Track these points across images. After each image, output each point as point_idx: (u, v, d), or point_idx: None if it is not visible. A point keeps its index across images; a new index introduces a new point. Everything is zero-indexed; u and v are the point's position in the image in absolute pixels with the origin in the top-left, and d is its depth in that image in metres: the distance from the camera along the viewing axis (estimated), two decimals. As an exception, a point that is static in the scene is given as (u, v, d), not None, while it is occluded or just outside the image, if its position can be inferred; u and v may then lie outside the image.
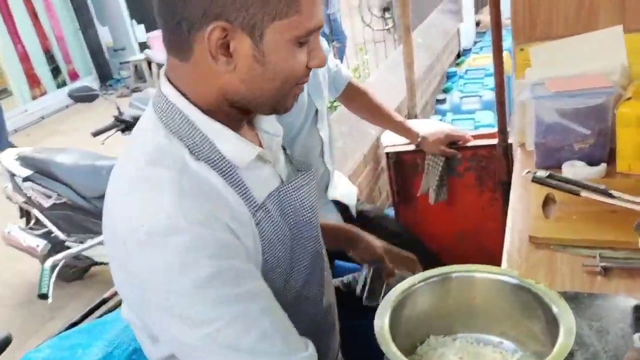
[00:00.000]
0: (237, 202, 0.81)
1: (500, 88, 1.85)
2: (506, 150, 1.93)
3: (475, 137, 2.08)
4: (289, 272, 0.90)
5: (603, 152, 1.51)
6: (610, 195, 0.96)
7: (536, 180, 1.05)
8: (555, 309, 0.84)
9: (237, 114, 0.85)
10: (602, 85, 1.49)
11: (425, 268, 1.00)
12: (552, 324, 0.83)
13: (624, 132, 1.43)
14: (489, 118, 3.70)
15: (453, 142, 2.05)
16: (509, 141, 1.93)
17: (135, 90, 7.13)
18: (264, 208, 0.84)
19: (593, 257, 1.15)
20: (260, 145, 0.92)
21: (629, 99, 1.42)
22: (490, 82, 4.04)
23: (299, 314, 0.89)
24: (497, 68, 1.85)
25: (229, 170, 0.81)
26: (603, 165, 1.49)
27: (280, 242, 0.87)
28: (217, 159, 0.81)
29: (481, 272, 0.97)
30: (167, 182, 0.75)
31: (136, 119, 3.39)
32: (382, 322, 0.86)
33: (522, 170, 1.64)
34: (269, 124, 0.95)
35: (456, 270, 0.97)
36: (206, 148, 0.80)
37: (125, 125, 2.66)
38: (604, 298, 1.03)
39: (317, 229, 0.96)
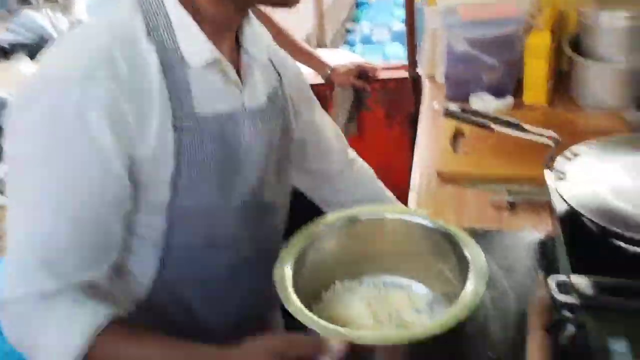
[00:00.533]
0: (163, 103, 0.73)
1: (410, 17, 1.77)
2: (415, 83, 1.87)
3: (385, 68, 2.01)
4: (216, 210, 0.82)
5: (510, 84, 1.49)
6: (522, 129, 0.91)
7: (448, 113, 0.99)
8: (466, 252, 0.79)
9: (230, 10, 0.77)
10: (512, 14, 1.45)
11: None
12: (463, 266, 0.79)
13: (532, 63, 1.40)
14: (399, 50, 3.66)
15: (363, 75, 1.97)
16: (419, 73, 1.87)
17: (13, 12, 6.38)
18: (196, 119, 0.75)
19: (500, 193, 1.12)
20: (237, 65, 0.82)
21: (539, 29, 1.38)
22: (400, 12, 3.98)
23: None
24: (407, -5, 1.76)
25: (177, 65, 0.74)
26: (510, 98, 1.48)
27: (204, 168, 0.77)
28: (171, 49, 0.74)
29: (390, 213, 0.91)
30: (97, 43, 0.72)
31: (13, 46, 3.04)
32: (282, 272, 0.78)
33: (430, 103, 1.60)
34: (251, 42, 0.84)
35: (364, 212, 0.90)
36: (165, 35, 0.75)
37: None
38: (512, 235, 1.01)
39: (254, 176, 0.85)
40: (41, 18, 3.02)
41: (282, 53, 0.97)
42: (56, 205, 0.70)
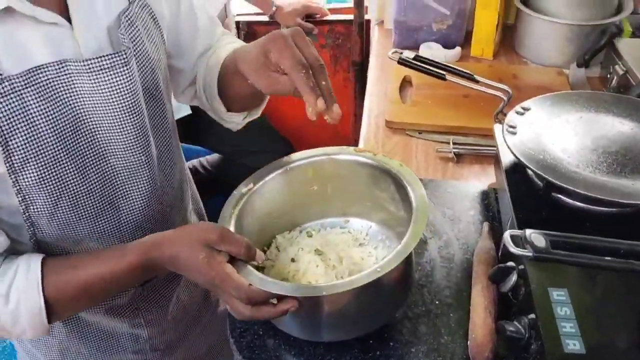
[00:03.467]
0: None
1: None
2: (362, 28, 1.83)
3: (333, 11, 1.95)
4: (71, 182, 0.70)
5: (459, 35, 1.49)
6: (475, 80, 0.91)
7: (402, 61, 0.97)
8: (403, 181, 0.79)
9: None
10: (465, -38, 1.43)
11: (279, 156, 0.90)
12: (399, 192, 0.79)
13: (483, 14, 1.40)
14: (343, -7, 3.58)
15: (310, 15, 1.90)
16: (366, 18, 1.83)
17: None
18: (8, 82, 0.62)
19: (447, 143, 1.14)
20: (65, 5, 0.67)
21: (491, -21, 1.37)
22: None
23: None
24: None
25: None
26: (458, 49, 1.48)
27: (37, 136, 0.65)
28: None
29: (320, 156, 0.87)
30: None
31: None
32: None
33: (378, 50, 1.58)
34: None
35: (293, 160, 0.86)
36: None
37: None
38: (456, 185, 1.02)
39: (111, 135, 0.71)
40: None
41: None
42: None
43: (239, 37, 1.99)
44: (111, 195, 0.75)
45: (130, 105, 0.70)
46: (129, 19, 0.72)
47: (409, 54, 0.98)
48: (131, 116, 0.71)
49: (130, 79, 0.70)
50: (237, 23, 1.98)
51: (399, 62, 0.98)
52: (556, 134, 0.86)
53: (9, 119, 0.63)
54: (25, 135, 0.64)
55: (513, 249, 0.64)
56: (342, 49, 2.00)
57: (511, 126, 0.86)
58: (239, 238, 0.69)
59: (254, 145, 1.87)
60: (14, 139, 0.64)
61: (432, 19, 1.47)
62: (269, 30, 2.01)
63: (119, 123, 0.70)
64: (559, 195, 0.80)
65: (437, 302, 0.81)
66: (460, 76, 0.93)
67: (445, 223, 0.94)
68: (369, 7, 1.76)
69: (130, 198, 0.77)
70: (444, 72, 0.94)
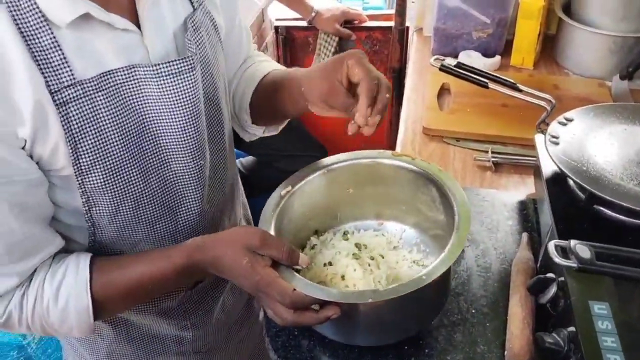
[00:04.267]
0: (30, 74, 0.60)
1: (403, -35, 1.72)
2: (402, 35, 1.83)
3: (371, 17, 1.96)
4: (134, 185, 0.72)
5: (499, 44, 1.48)
6: (518, 89, 0.91)
7: (444, 68, 0.97)
8: (445, 188, 0.79)
9: None
10: (508, -29, 1.42)
11: (313, 161, 0.91)
12: (439, 196, 0.80)
13: (524, 23, 1.39)
14: (379, 0, 3.58)
15: (348, 22, 1.91)
16: (406, 25, 1.83)
17: None
18: (81, 86, 0.63)
19: (485, 152, 1.13)
20: (132, 4, 0.68)
21: (534, -12, 1.36)
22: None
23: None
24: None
25: (38, 27, 0.60)
26: (497, 58, 1.47)
27: (104, 139, 0.66)
28: (26, 8, 0.59)
29: (357, 159, 0.87)
30: None
31: None
32: None
33: (417, 57, 1.58)
34: None
35: (330, 162, 0.87)
36: None
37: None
38: (494, 194, 1.02)
39: (185, 126, 0.72)
40: None
41: None
42: None
43: (277, 42, 2.02)
44: (170, 199, 0.76)
45: (193, 111, 0.72)
46: (194, 23, 0.73)
47: (450, 61, 0.98)
48: (193, 121, 0.72)
49: (195, 85, 0.71)
50: (276, 28, 2.00)
51: (440, 69, 0.98)
52: (599, 145, 0.85)
53: (80, 122, 0.64)
54: (93, 138, 0.65)
55: (557, 259, 0.64)
56: (379, 56, 2.00)
57: (554, 136, 0.85)
58: (280, 242, 0.70)
59: (289, 149, 1.89)
60: (84, 142, 0.65)
61: (472, 27, 1.46)
62: (307, 35, 2.05)
63: (182, 128, 0.72)
64: (601, 208, 0.79)
65: (473, 311, 0.80)
66: (503, 84, 0.93)
67: (483, 232, 0.93)
68: (408, 14, 1.76)
69: (187, 202, 0.78)
70: (487, 80, 0.94)
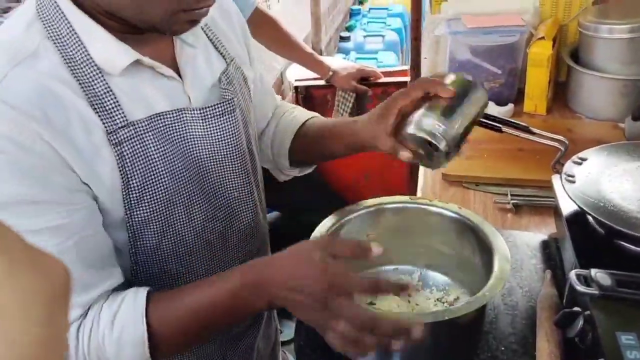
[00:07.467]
0: (87, 117, 0.67)
1: (416, 22, 1.81)
2: (416, 89, 1.90)
3: (386, 74, 2.04)
4: (177, 219, 0.76)
5: (511, 92, 1.54)
6: (532, 132, 0.95)
7: (458, 116, 1.02)
8: (488, 238, 0.83)
9: (128, 27, 0.70)
10: (515, 24, 1.49)
11: (332, 211, 0.94)
12: (484, 251, 0.83)
13: (534, 72, 1.44)
14: (391, 59, 3.70)
15: (364, 79, 2.00)
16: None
17: (6, 11, 6.30)
18: (133, 127, 0.69)
19: (504, 195, 1.16)
20: (173, 58, 0.76)
21: (541, 38, 1.43)
22: (393, 22, 4.02)
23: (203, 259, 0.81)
24: (413, 2, 1.79)
25: (92, 75, 0.67)
26: (510, 106, 1.52)
27: (153, 175, 0.72)
28: (82, 60, 0.67)
29: (412, 203, 0.95)
30: None
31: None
32: None
33: (432, 109, 1.64)
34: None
35: (385, 202, 0.94)
36: (71, 44, 0.67)
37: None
38: (516, 235, 1.04)
39: (224, 169, 0.80)
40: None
41: (223, 25, 0.87)
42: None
43: (297, 101, 2.11)
44: (209, 235, 0.80)
45: (236, 149, 0.79)
46: (227, 77, 0.81)
47: (465, 110, 1.03)
48: (236, 158, 0.79)
49: (236, 124, 0.79)
50: (296, 87, 2.09)
51: (455, 117, 1.03)
52: (615, 182, 0.88)
53: (132, 160, 0.70)
54: (143, 175, 0.71)
55: (579, 287, 0.66)
56: (395, 109, 2.06)
57: (570, 175, 0.89)
58: (346, 240, 0.74)
59: (309, 202, 1.93)
60: (134, 178, 0.70)
61: (484, 78, 1.52)
62: (326, 93, 2.12)
63: (225, 165, 0.78)
64: (621, 242, 0.81)
65: (502, 348, 0.81)
66: (516, 128, 0.97)
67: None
68: (421, 68, 1.84)
69: (226, 239, 0.82)
70: (500, 125, 0.98)
